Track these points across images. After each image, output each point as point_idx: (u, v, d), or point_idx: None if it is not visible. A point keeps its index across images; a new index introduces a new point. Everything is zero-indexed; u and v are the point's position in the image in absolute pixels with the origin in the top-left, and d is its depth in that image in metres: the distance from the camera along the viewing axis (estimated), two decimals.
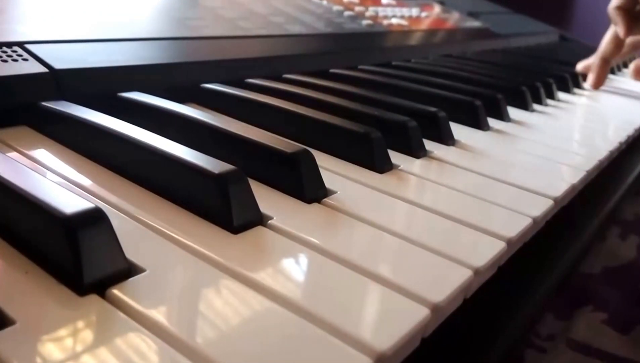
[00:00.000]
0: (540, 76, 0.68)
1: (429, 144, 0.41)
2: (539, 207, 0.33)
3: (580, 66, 0.83)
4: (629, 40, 0.77)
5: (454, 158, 0.40)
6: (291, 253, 0.24)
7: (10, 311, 0.18)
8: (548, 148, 0.46)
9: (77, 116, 0.32)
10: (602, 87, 0.80)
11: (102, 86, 0.38)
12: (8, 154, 0.30)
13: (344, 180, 0.33)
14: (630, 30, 0.74)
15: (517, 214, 0.31)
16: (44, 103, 0.34)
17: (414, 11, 0.91)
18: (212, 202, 0.26)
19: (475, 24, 1.01)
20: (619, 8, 0.74)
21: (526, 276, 0.32)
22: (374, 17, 0.78)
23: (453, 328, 0.24)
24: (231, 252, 0.23)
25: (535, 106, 0.61)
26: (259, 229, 0.26)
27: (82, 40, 0.41)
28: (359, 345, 0.19)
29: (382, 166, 0.35)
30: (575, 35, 1.38)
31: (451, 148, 0.42)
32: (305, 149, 0.31)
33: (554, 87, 0.68)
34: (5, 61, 0.35)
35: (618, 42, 0.77)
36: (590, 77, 0.79)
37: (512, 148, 0.45)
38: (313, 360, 0.18)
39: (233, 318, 0.19)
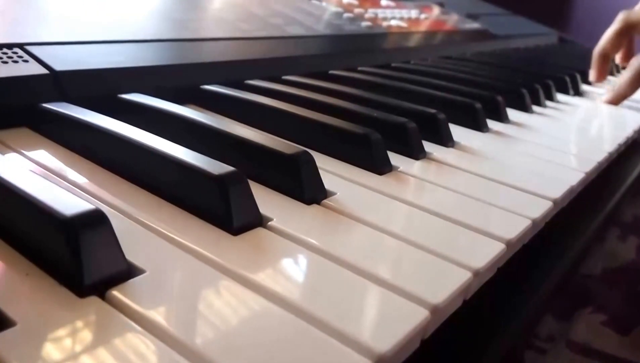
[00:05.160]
0: (539, 78, 0.68)
1: (428, 146, 0.41)
2: (538, 208, 0.33)
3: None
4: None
5: (453, 160, 0.40)
6: (291, 254, 0.24)
7: (10, 313, 0.18)
8: (547, 150, 0.46)
9: (78, 118, 0.32)
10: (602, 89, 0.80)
11: (102, 87, 0.38)
12: (8, 155, 0.31)
13: (343, 181, 0.33)
14: (599, 79, 0.80)
15: (516, 216, 0.31)
16: (44, 104, 0.34)
17: (413, 13, 0.92)
18: (212, 203, 0.26)
19: (474, 25, 1.02)
20: (603, 55, 0.79)
21: (526, 278, 0.32)
22: (373, 19, 0.78)
23: (453, 329, 0.24)
24: (231, 253, 0.23)
25: (535, 108, 0.61)
26: (259, 230, 0.26)
27: (83, 42, 0.41)
28: (359, 347, 0.19)
29: (382, 167, 0.36)
30: (574, 37, 1.38)
31: (450, 150, 0.43)
32: (305, 150, 0.31)
33: (553, 89, 0.68)
34: (6, 63, 0.35)
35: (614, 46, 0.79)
36: (592, 73, 0.82)
37: (511, 149, 0.45)
38: (312, 361, 0.18)
39: (232, 319, 0.19)
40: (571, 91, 0.75)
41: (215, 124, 0.34)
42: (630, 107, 0.72)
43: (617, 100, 0.73)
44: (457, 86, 0.57)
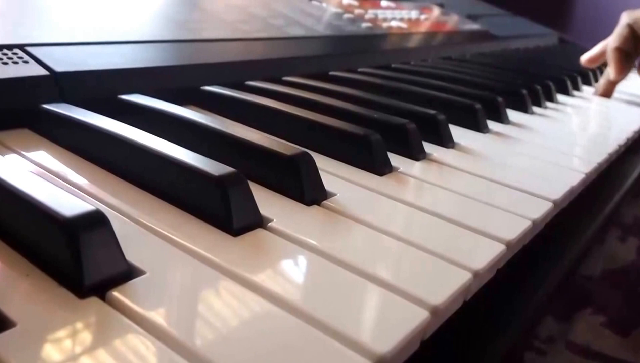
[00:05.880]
0: (540, 79, 0.68)
1: (428, 147, 0.41)
2: (538, 209, 0.33)
3: (585, 59, 0.82)
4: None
5: (453, 161, 0.40)
6: (291, 255, 0.24)
7: (10, 314, 0.18)
8: (547, 151, 0.46)
9: (78, 119, 0.32)
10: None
11: (102, 88, 0.38)
12: (8, 156, 0.31)
13: (343, 182, 0.33)
14: (620, 73, 0.75)
15: (516, 217, 0.31)
16: (44, 105, 0.34)
17: (413, 14, 0.92)
18: (212, 204, 0.26)
19: (474, 26, 1.02)
20: (618, 49, 0.74)
21: (525, 279, 0.32)
22: (374, 20, 0.79)
23: (452, 330, 0.24)
24: (231, 254, 0.23)
25: (535, 109, 0.61)
26: (259, 231, 0.26)
27: (83, 43, 0.41)
28: (359, 348, 0.19)
29: (382, 168, 0.36)
30: (574, 38, 1.38)
31: (450, 151, 0.43)
32: (305, 151, 0.31)
33: (553, 89, 0.68)
34: (6, 63, 0.35)
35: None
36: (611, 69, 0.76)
37: (511, 150, 0.45)
38: (312, 362, 0.18)
39: (232, 320, 0.19)
40: (571, 92, 0.75)
41: (216, 125, 0.34)
42: (630, 108, 0.72)
43: (608, 90, 0.71)
44: (457, 87, 0.57)
